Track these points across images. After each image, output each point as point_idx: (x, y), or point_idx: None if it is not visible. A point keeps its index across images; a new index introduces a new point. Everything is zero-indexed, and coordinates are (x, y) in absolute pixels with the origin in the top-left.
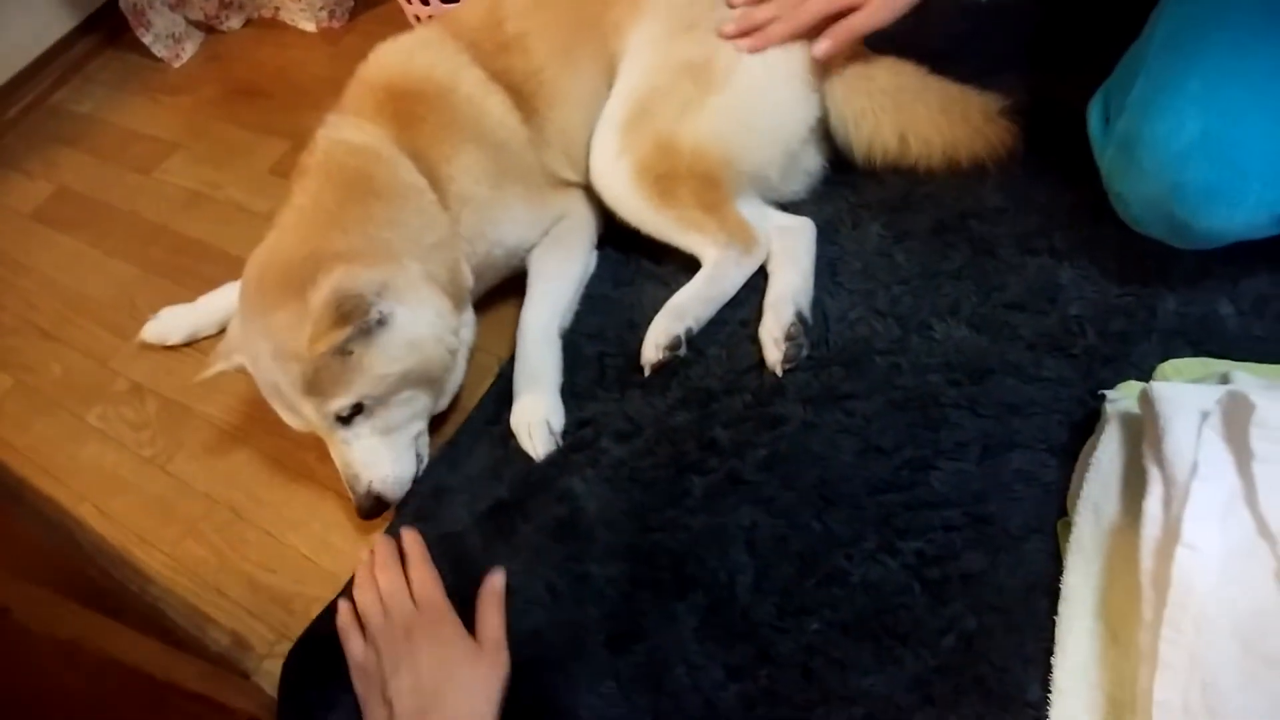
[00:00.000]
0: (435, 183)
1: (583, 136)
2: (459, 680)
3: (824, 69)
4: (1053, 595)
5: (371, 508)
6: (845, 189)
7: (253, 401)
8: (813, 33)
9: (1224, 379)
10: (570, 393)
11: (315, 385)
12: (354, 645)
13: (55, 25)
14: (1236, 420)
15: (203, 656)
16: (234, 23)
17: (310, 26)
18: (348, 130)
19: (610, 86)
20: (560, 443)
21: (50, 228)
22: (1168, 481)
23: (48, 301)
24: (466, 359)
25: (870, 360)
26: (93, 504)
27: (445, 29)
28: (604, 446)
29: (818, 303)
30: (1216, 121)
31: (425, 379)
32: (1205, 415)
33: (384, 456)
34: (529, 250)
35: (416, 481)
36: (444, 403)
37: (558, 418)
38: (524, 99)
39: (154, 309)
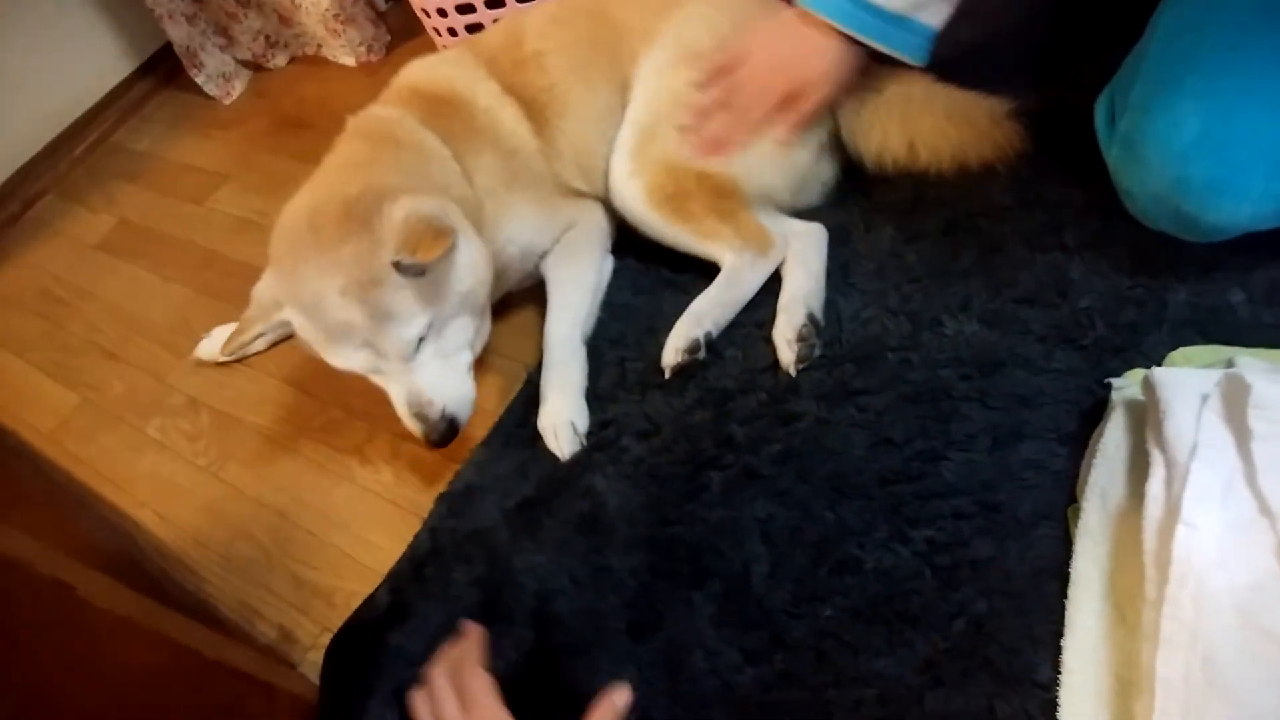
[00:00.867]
0: (462, 168)
1: (596, 149)
2: None
3: None
4: (1062, 579)
5: (446, 430)
6: (858, 194)
7: (298, 412)
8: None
9: (1229, 364)
10: (593, 395)
11: (392, 311)
12: None
13: (116, 69)
14: (1235, 401)
15: (252, 649)
16: (279, 60)
17: (350, 61)
18: (375, 110)
19: (624, 106)
20: (585, 443)
21: (113, 256)
22: (1169, 463)
23: (110, 324)
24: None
25: (882, 357)
26: (152, 510)
27: (468, 49)
28: (625, 445)
29: (831, 303)
30: (1216, 117)
31: (476, 305)
32: (1205, 398)
33: (451, 379)
34: (541, 255)
35: (448, 482)
36: (478, 347)
37: (582, 419)
38: (536, 111)
39: (207, 328)
